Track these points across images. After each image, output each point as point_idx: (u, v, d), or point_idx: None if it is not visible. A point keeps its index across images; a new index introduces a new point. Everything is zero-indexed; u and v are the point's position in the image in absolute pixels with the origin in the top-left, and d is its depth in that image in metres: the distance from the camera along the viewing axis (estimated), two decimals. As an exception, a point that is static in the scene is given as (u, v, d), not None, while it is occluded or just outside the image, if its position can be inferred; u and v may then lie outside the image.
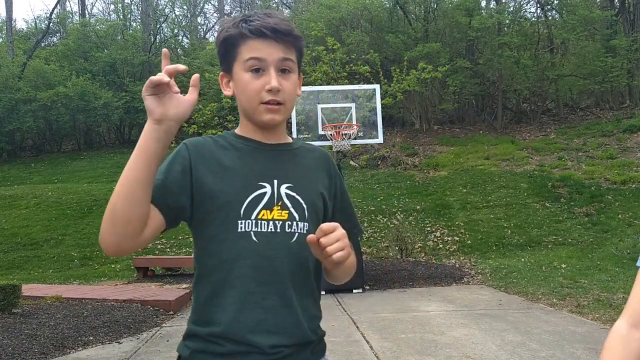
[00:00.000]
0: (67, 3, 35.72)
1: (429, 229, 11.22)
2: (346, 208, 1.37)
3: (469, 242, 10.49)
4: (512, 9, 20.98)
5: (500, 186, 12.91)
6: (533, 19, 21.59)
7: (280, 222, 1.20)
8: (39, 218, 13.25)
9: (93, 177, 17.77)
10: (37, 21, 34.94)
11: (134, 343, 5.10)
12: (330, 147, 8.11)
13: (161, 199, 1.15)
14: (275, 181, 1.22)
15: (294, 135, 7.92)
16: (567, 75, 18.69)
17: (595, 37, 19.63)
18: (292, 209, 1.22)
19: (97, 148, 23.08)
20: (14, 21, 35.20)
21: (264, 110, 1.21)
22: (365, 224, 11.33)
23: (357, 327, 5.46)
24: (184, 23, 33.13)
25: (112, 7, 35.09)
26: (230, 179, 1.20)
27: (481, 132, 18.42)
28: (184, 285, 8.22)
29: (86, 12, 32.46)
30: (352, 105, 8.39)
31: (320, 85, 10.66)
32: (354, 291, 7.50)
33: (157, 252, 10.87)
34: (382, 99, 9.40)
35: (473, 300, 6.64)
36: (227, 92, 1.27)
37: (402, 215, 11.29)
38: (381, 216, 11.81)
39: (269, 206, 1.20)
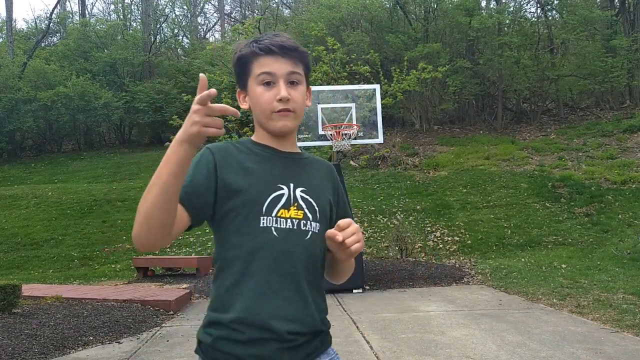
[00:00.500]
0: (67, 3, 35.78)
1: (429, 229, 11.21)
2: (347, 215, 1.49)
3: (469, 242, 10.49)
4: (512, 9, 20.98)
5: (501, 186, 12.91)
6: (533, 19, 21.60)
7: (297, 221, 1.32)
8: (39, 218, 13.25)
9: (93, 177, 17.79)
10: (37, 21, 35.01)
11: (134, 343, 5.09)
12: (331, 147, 8.09)
13: (188, 200, 1.25)
14: (292, 184, 1.35)
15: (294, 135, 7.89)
16: (567, 75, 18.68)
17: (596, 37, 19.63)
18: (306, 210, 1.34)
19: (97, 148, 23.09)
20: (14, 21, 35.22)
21: (276, 117, 1.33)
22: (365, 224, 11.33)
23: (357, 327, 5.46)
24: (184, 23, 33.17)
25: (112, 7, 35.18)
26: (253, 179, 1.32)
27: (481, 132, 18.42)
28: (184, 285, 8.22)
29: (86, 12, 32.52)
30: (352, 105, 8.37)
31: (320, 85, 10.63)
32: (354, 291, 7.50)
33: (157, 252, 10.87)
34: (382, 99, 9.38)
35: (473, 300, 6.64)
36: (244, 105, 1.40)
37: (402, 215, 11.29)
38: (381, 216, 11.80)
39: (286, 206, 1.32)
